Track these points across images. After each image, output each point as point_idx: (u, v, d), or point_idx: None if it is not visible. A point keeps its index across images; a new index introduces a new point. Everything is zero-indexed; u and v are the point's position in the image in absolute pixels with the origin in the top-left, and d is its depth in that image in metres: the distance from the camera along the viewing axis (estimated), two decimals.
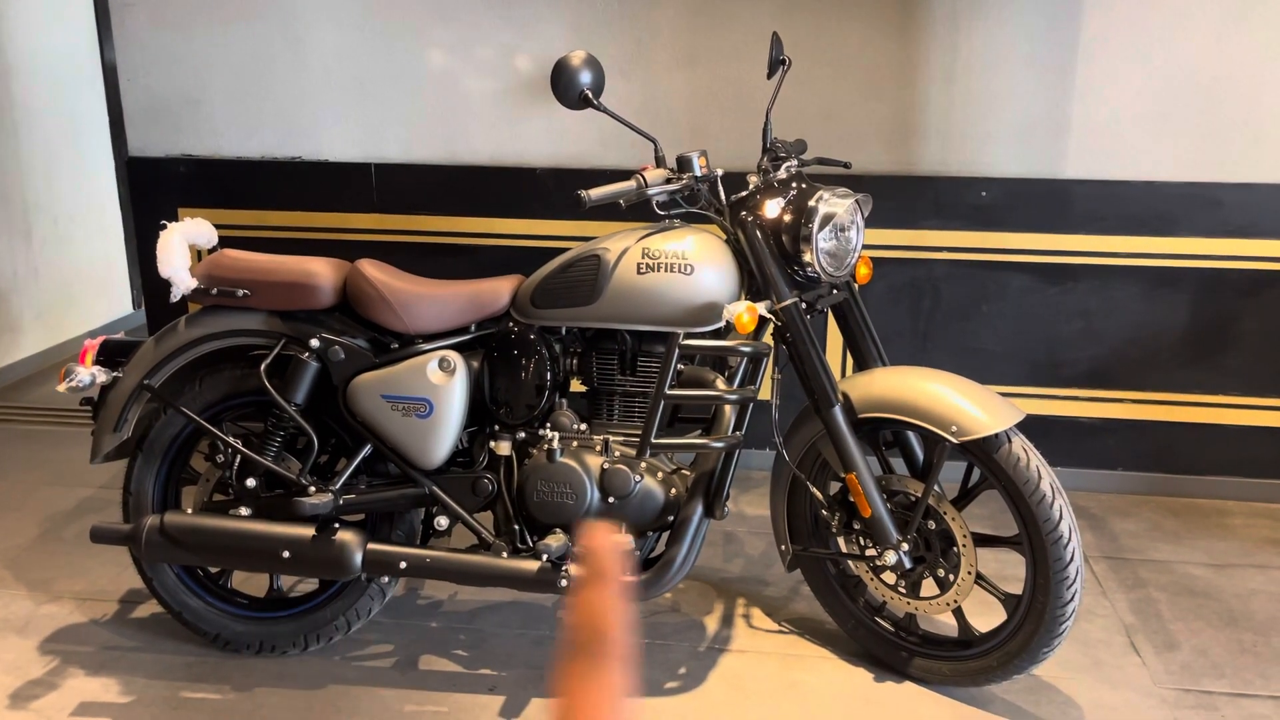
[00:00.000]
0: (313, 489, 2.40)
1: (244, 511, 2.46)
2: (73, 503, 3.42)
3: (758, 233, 2.30)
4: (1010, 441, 2.22)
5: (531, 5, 3.48)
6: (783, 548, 2.55)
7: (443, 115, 3.61)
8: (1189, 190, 3.33)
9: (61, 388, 2.44)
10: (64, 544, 3.14)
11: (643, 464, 2.33)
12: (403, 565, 2.38)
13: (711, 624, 2.75)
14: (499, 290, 2.46)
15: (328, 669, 2.54)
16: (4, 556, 3.07)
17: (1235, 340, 3.43)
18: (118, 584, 2.89)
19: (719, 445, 2.25)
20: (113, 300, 5.55)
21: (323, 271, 2.43)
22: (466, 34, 3.53)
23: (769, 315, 2.27)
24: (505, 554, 2.39)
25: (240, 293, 2.43)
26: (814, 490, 2.44)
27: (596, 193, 2.16)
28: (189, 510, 2.48)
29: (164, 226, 2.49)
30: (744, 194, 2.36)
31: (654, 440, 2.24)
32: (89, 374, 2.46)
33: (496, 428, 2.45)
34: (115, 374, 2.50)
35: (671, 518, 2.36)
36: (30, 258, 4.98)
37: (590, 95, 2.21)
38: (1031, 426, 2.26)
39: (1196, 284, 3.40)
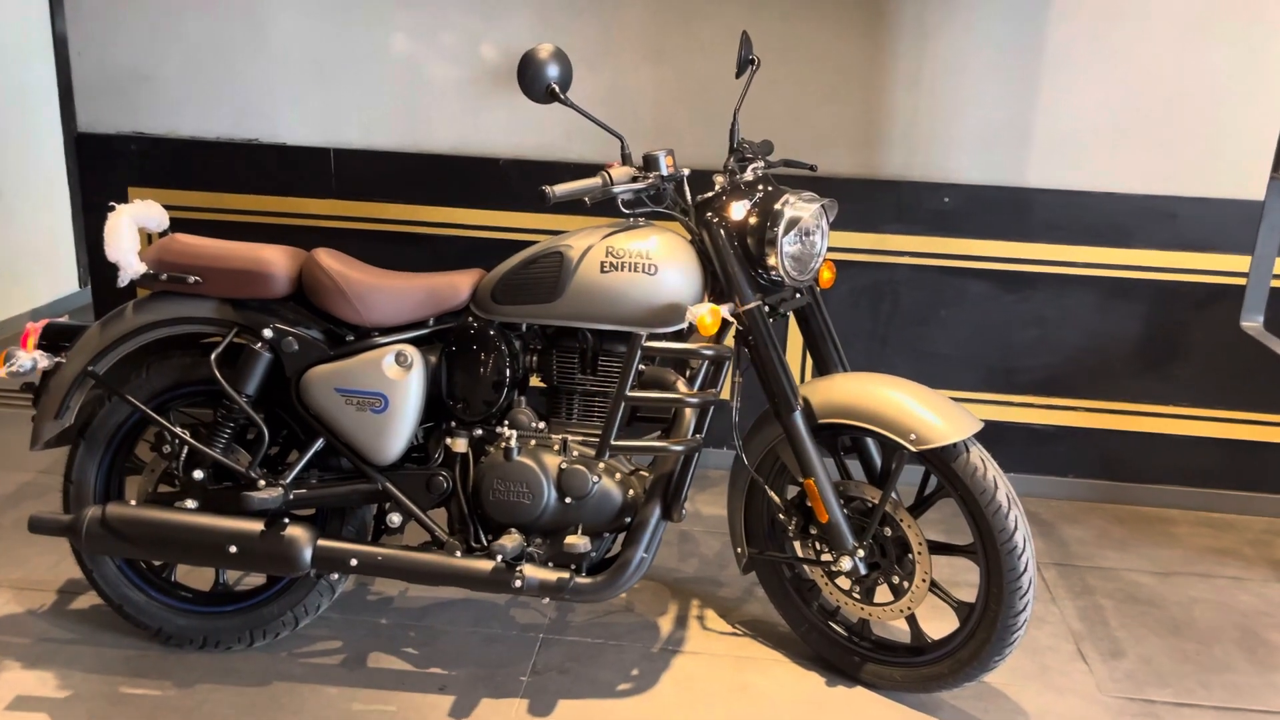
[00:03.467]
0: (262, 482, 2.35)
1: (190, 504, 2.40)
2: (11, 487, 3.32)
3: (722, 234, 2.28)
4: (968, 451, 2.23)
5: None
6: (739, 550, 2.55)
7: (405, 101, 3.54)
8: (1146, 203, 3.37)
9: (1, 373, 2.36)
10: (0, 531, 3.05)
11: (601, 464, 2.31)
12: (353, 563, 2.34)
13: (665, 625, 2.73)
14: (458, 284, 2.42)
15: (273, 665, 2.49)
16: None
17: (1185, 352, 3.48)
18: (56, 573, 2.81)
19: (678, 449, 2.24)
20: (58, 278, 5.39)
21: (277, 260, 2.37)
22: (431, 19, 3.47)
23: (731, 318, 2.25)
24: (459, 553, 2.36)
25: (191, 279, 2.37)
26: (772, 494, 2.44)
27: (561, 189, 2.13)
28: (132, 501, 2.41)
29: (112, 208, 2.41)
30: (710, 195, 2.34)
31: (613, 442, 2.22)
32: (30, 359, 2.39)
33: (453, 424, 2.42)
34: (58, 359, 2.42)
35: (629, 519, 2.34)
36: None
37: (557, 90, 2.18)
38: (985, 432, 2.27)
39: (1150, 296, 3.45)
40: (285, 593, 2.50)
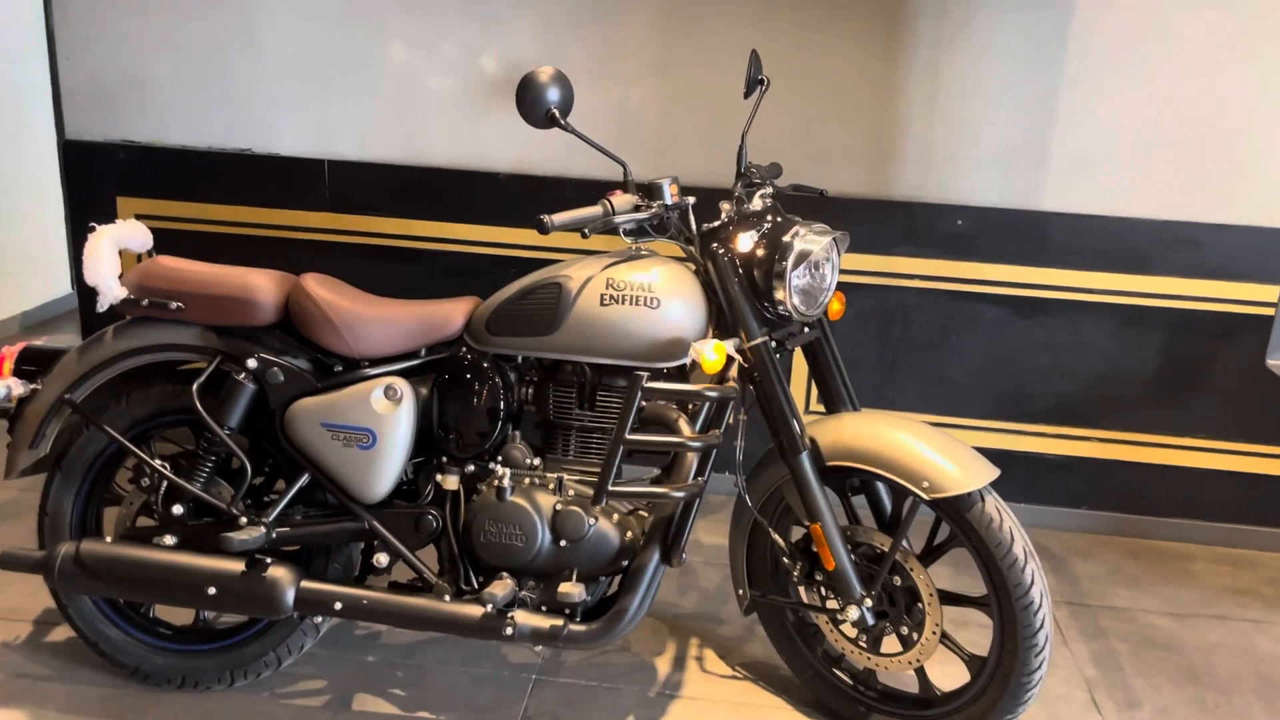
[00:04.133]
0: (244, 520, 2.25)
1: (169, 540, 2.30)
2: None
3: (729, 266, 2.18)
4: (983, 500, 2.12)
5: (499, 3, 3.32)
6: (740, 592, 2.45)
7: (402, 112, 3.44)
8: (1166, 229, 3.26)
9: None
10: None
11: (597, 506, 2.21)
12: (337, 606, 2.24)
13: (663, 666, 2.63)
14: (452, 314, 2.31)
15: (254, 707, 2.39)
16: None
17: (1204, 382, 3.37)
18: (34, 602, 2.71)
19: (679, 495, 2.13)
20: (49, 279, 5.29)
21: (264, 286, 2.27)
22: (430, 29, 3.36)
23: (737, 354, 2.15)
24: (447, 597, 2.25)
25: (173, 305, 2.27)
26: (776, 537, 2.33)
27: (560, 218, 2.02)
28: (108, 538, 2.31)
29: (93, 229, 2.31)
30: (716, 224, 2.23)
31: (611, 488, 2.11)
32: (4, 385, 2.30)
33: (444, 460, 2.31)
34: (34, 386, 2.32)
35: (626, 562, 2.24)
36: None
37: (557, 114, 2.07)
38: (995, 461, 2.16)
39: (1169, 324, 3.34)
40: (268, 632, 2.39)
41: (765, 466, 2.35)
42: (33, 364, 2.36)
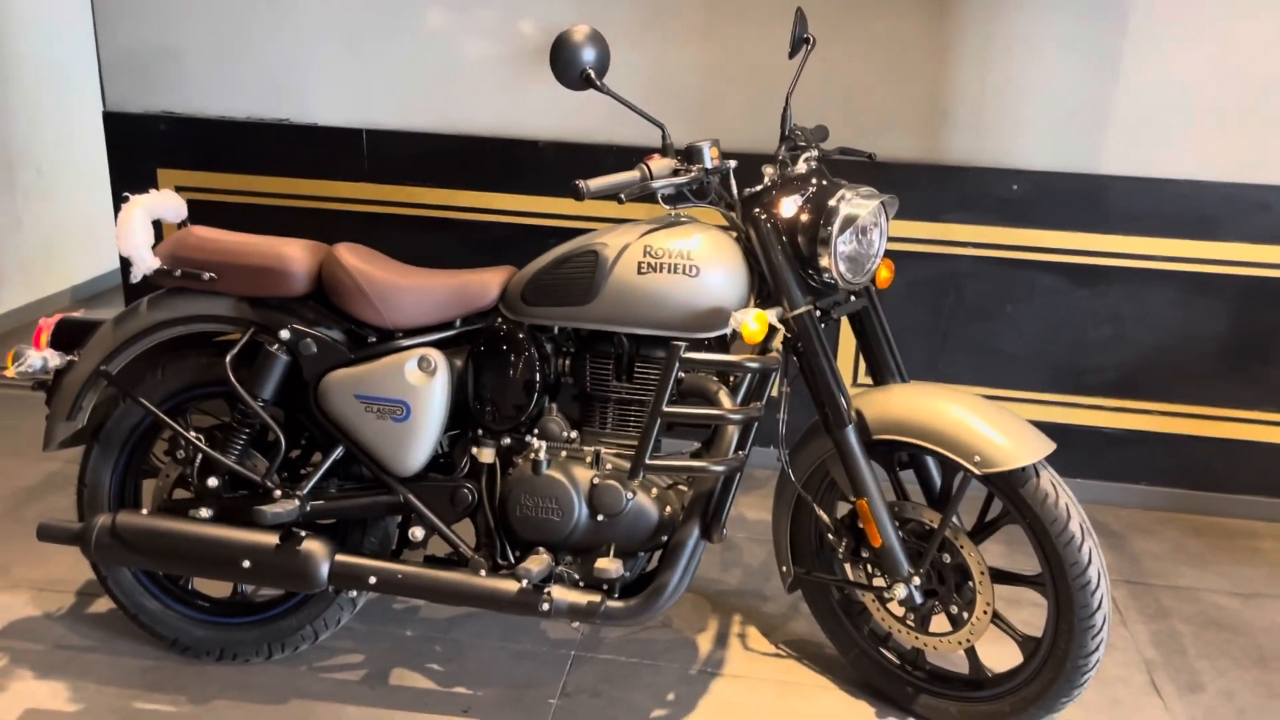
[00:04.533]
0: (278, 493, 2.22)
1: (204, 513, 2.28)
2: (37, 478, 3.25)
3: (771, 233, 2.09)
4: (1038, 476, 2.03)
5: None
6: (784, 569, 2.38)
7: (440, 80, 3.38)
8: (1234, 192, 3.11)
9: (10, 372, 2.26)
10: (24, 525, 2.95)
11: (635, 480, 2.15)
12: (372, 580, 2.20)
13: (704, 643, 2.58)
14: (487, 284, 2.26)
15: (292, 680, 2.37)
16: None
17: (1274, 353, 3.22)
18: (76, 573, 2.72)
19: (719, 469, 2.06)
20: (98, 255, 5.33)
21: (297, 256, 2.23)
22: None
23: (780, 324, 2.06)
24: (484, 571, 2.21)
25: (206, 275, 2.24)
26: (820, 513, 2.26)
27: (595, 184, 1.95)
28: (144, 510, 2.30)
29: (126, 199, 2.29)
30: (758, 189, 2.14)
31: (649, 461, 2.05)
32: (40, 357, 2.28)
33: (480, 432, 2.27)
34: (70, 358, 2.31)
35: (664, 538, 2.18)
36: (13, 208, 4.78)
37: (593, 75, 2.00)
38: (1051, 434, 2.06)
39: (1236, 291, 3.19)
40: (305, 605, 2.38)
41: (809, 440, 2.27)
42: (69, 336, 2.35)
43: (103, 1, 3.45)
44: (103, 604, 2.61)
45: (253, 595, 2.49)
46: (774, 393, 2.16)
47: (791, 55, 2.34)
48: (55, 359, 2.29)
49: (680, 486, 2.23)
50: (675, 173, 2.06)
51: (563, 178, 3.28)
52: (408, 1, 3.32)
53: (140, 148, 3.54)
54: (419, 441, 2.20)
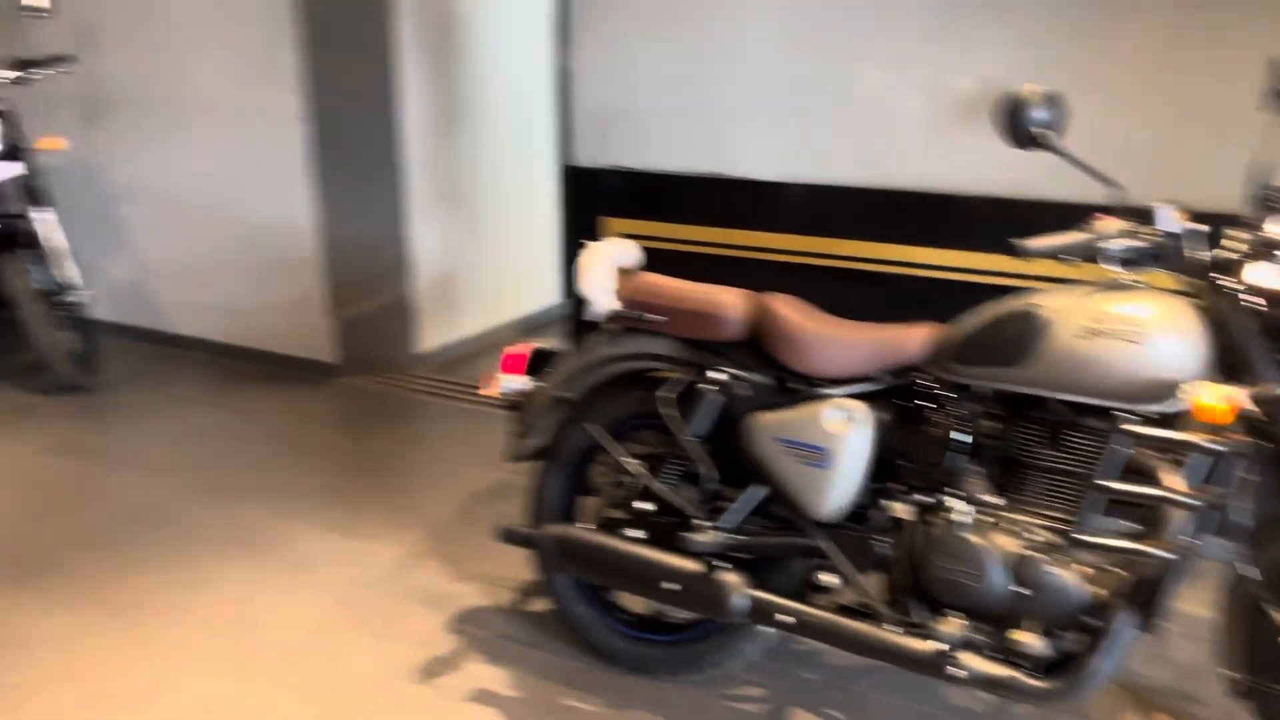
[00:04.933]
0: (706, 524, 2.38)
1: (638, 534, 2.49)
2: (489, 484, 3.70)
3: (1244, 305, 1.91)
4: None
5: (978, 19, 3.21)
6: (1232, 675, 2.14)
7: (868, 135, 3.45)
8: None
9: (493, 391, 2.62)
10: (476, 525, 3.38)
11: (1061, 555, 2.04)
12: (783, 619, 2.28)
13: None
14: (911, 339, 2.27)
15: (702, 703, 2.51)
16: (428, 528, 3.38)
17: None
18: (516, 573, 3.05)
19: (1164, 555, 1.91)
20: (545, 290, 5.97)
21: (733, 304, 2.39)
22: (902, 51, 3.34)
23: (1252, 406, 1.87)
24: (895, 626, 2.21)
25: (659, 318, 2.45)
26: None
27: (1038, 244, 1.92)
28: (585, 525, 2.55)
29: (582, 245, 2.57)
30: (1227, 254, 1.97)
31: (1079, 536, 1.95)
32: (520, 381, 2.62)
33: (898, 487, 2.28)
34: (539, 383, 2.63)
35: (1089, 619, 2.05)
36: (477, 248, 5.50)
37: (1047, 135, 1.96)
38: None
39: None
40: (716, 633, 2.51)
41: (1274, 534, 2.03)
42: (540, 363, 2.67)
43: (581, 72, 3.89)
44: (538, 604, 2.92)
45: (667, 615, 2.67)
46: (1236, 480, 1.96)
47: (1262, 109, 2.13)
48: (529, 384, 2.62)
49: (1108, 567, 2.09)
50: (1128, 234, 1.96)
51: (990, 233, 3.24)
52: (843, 60, 3.43)
53: (589, 197, 3.95)
54: (834, 488, 2.26)
